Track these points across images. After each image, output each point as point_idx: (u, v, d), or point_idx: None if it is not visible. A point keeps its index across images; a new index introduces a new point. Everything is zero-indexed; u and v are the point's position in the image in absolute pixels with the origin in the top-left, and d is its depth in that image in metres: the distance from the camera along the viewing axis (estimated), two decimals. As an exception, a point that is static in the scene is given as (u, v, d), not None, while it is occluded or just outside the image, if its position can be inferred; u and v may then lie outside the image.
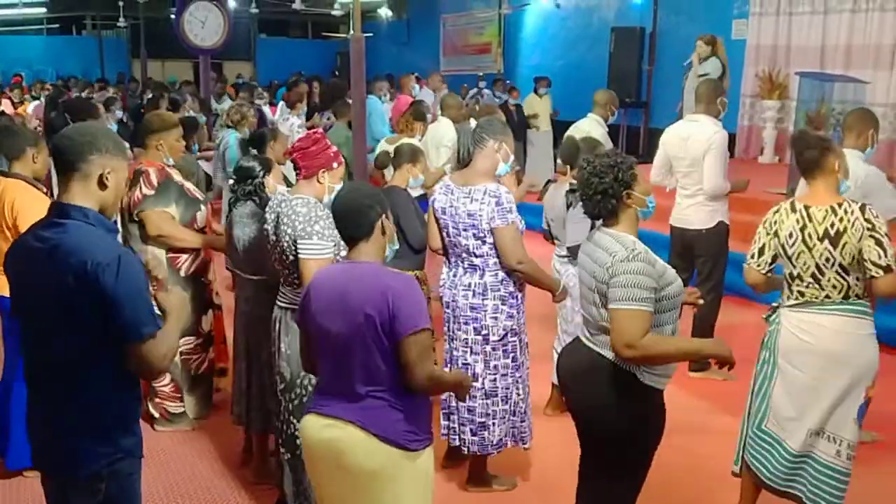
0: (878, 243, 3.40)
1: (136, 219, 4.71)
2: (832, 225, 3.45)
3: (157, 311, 2.66)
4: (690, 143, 5.57)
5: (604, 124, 6.60)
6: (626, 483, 3.17)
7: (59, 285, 2.41)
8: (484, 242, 3.95)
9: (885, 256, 3.39)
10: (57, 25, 24.92)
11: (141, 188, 4.65)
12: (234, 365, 4.48)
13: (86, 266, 2.37)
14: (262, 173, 4.27)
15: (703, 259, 5.70)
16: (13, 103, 14.02)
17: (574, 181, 4.09)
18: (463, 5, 19.94)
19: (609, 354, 3.02)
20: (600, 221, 3.13)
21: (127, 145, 2.77)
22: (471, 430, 4.15)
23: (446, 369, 4.01)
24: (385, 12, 21.77)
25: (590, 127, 6.38)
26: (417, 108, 7.35)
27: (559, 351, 5.08)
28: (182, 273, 4.82)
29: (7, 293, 3.95)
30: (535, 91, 12.90)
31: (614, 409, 3.04)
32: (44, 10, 22.97)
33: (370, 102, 9.48)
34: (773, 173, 9.83)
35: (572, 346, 3.31)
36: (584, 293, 3.19)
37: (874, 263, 3.41)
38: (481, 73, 16.44)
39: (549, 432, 4.91)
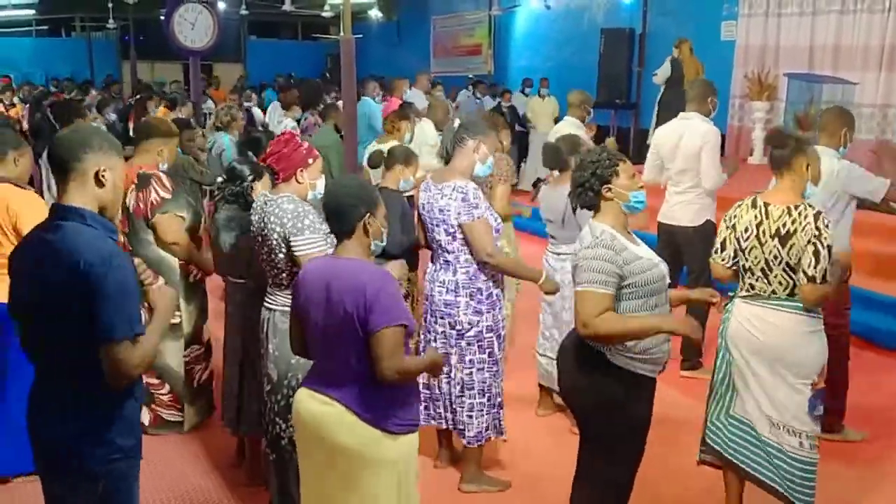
0: (816, 253, 3.48)
1: (151, 224, 4.64)
2: (784, 224, 3.56)
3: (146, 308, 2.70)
4: (683, 141, 5.62)
5: (581, 125, 6.61)
6: (609, 463, 3.27)
7: (55, 287, 2.43)
8: (454, 238, 4.04)
9: (815, 268, 3.48)
10: (46, 27, 24.81)
11: (157, 191, 4.61)
12: (225, 371, 4.47)
13: (78, 266, 2.38)
14: (251, 178, 4.26)
15: (691, 258, 5.75)
16: (4, 106, 13.96)
17: None
18: (453, 7, 19.97)
19: None
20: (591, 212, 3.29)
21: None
22: (442, 405, 4.28)
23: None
24: (375, 14, 21.76)
25: (568, 130, 6.35)
26: (402, 109, 7.33)
27: (541, 351, 5.12)
28: (190, 279, 4.82)
29: (3, 298, 3.96)
30: (538, 93, 12.94)
31: (585, 388, 3.22)
32: (32, 11, 22.86)
33: (366, 104, 9.48)
34: (762, 174, 9.81)
35: (570, 331, 3.43)
36: None
37: (803, 270, 3.51)
38: (471, 76, 16.45)
39: (541, 432, 4.94)
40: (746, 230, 3.68)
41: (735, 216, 3.76)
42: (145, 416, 4.89)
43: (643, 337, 3.11)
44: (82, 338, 2.42)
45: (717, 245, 3.85)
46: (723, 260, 3.82)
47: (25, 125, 11.60)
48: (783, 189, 3.68)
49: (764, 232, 3.61)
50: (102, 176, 2.52)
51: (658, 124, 11.26)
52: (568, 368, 3.32)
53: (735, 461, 3.80)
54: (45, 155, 6.64)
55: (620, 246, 3.10)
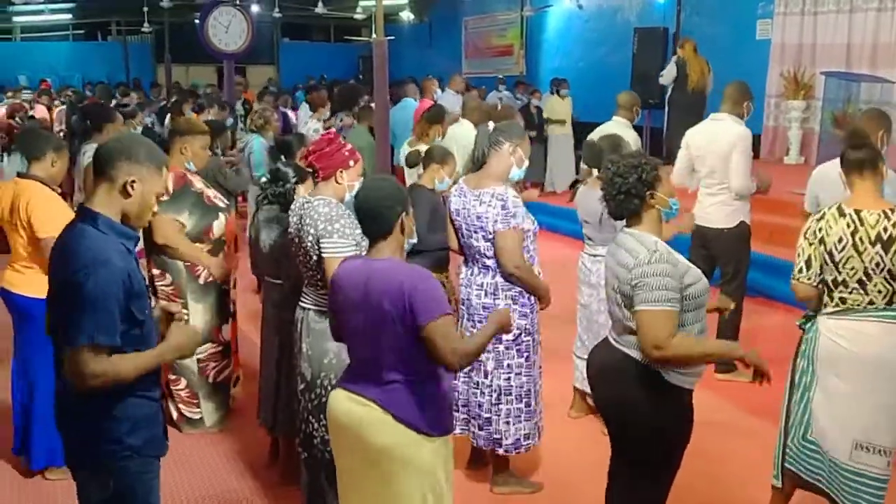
0: None
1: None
2: (885, 229, 3.40)
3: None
4: (715, 142, 5.56)
5: (630, 126, 6.53)
6: (653, 482, 3.17)
7: (56, 286, 2.54)
8: (493, 245, 4.00)
9: None
10: (82, 31, 25.14)
11: None
12: (262, 369, 4.50)
13: (69, 269, 2.46)
14: (295, 180, 4.28)
15: (724, 260, 5.69)
16: (45, 108, 14.18)
17: None
18: (485, 7, 19.93)
19: (635, 354, 3.03)
20: (623, 222, 3.15)
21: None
22: (478, 424, 4.20)
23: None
24: (407, 15, 21.81)
25: (617, 130, 6.27)
26: (432, 112, 7.25)
27: (578, 353, 5.09)
28: (201, 281, 4.84)
29: (21, 290, 4.08)
30: (557, 92, 12.89)
31: (641, 409, 3.05)
32: (70, 16, 23.20)
33: (408, 104, 9.50)
34: (798, 174, 9.72)
35: (600, 345, 3.33)
36: (607, 293, 3.21)
37: None
38: (501, 76, 16.43)
39: (574, 434, 4.91)
40: (840, 240, 3.47)
41: (820, 229, 3.55)
42: (172, 412, 4.96)
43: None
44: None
45: (801, 264, 3.60)
46: (809, 279, 3.59)
47: (56, 127, 11.76)
48: (867, 193, 3.50)
49: (861, 240, 3.42)
50: (131, 186, 2.58)
51: (669, 125, 11.29)
52: (615, 385, 3.14)
53: (813, 481, 3.66)
54: (80, 156, 6.72)
55: (675, 258, 2.98)
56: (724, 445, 4.68)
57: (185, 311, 4.71)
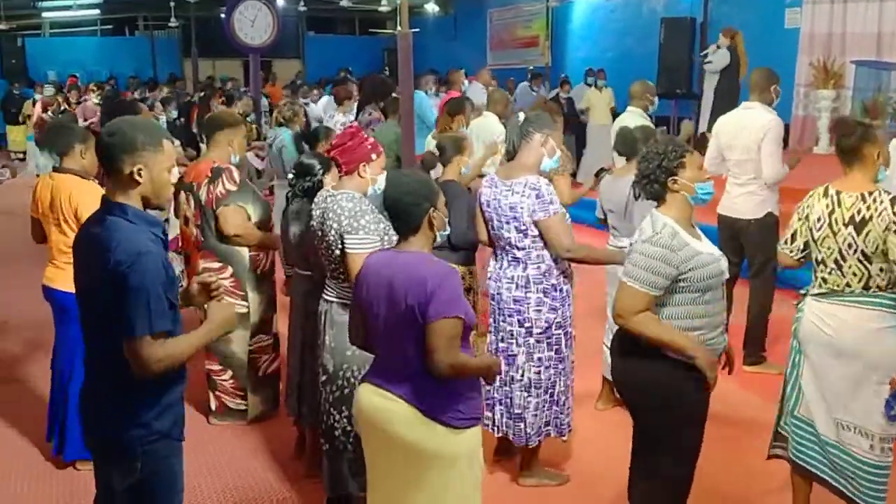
0: None
1: (214, 216, 4.69)
2: (859, 211, 3.44)
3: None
4: (744, 131, 5.51)
5: (646, 116, 6.49)
6: (665, 459, 3.21)
7: (93, 278, 2.56)
8: (526, 235, 3.97)
9: None
10: (110, 26, 25.34)
11: (224, 184, 4.65)
12: (289, 360, 4.52)
13: (108, 263, 2.48)
14: (321, 171, 4.28)
15: (753, 251, 5.63)
16: (69, 104, 14.31)
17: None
18: (510, -1, 19.89)
19: None
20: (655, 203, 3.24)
21: (174, 139, 2.82)
22: (506, 417, 4.19)
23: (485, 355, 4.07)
24: (432, 8, 21.75)
25: (633, 121, 6.18)
26: (452, 104, 7.19)
27: (609, 343, 5.07)
28: (259, 271, 4.85)
29: (61, 286, 4.13)
30: (595, 84, 12.81)
31: (634, 377, 3.20)
32: (97, 11, 23.38)
33: (417, 97, 9.48)
34: (828, 164, 9.54)
35: None
36: None
37: (894, 261, 3.38)
38: (531, 67, 16.35)
39: (601, 426, 4.90)
40: (819, 220, 3.56)
41: (808, 206, 3.65)
42: (211, 403, 4.98)
43: (667, 348, 3.07)
44: (114, 328, 2.51)
45: (787, 235, 3.74)
46: (791, 252, 3.72)
47: (81, 121, 11.89)
48: (855, 177, 3.54)
49: (836, 220, 3.49)
50: (137, 175, 2.59)
51: (713, 115, 11.16)
52: (619, 357, 3.29)
53: (801, 462, 3.71)
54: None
55: (681, 242, 3.04)
56: (754, 438, 4.63)
57: (245, 303, 4.77)
